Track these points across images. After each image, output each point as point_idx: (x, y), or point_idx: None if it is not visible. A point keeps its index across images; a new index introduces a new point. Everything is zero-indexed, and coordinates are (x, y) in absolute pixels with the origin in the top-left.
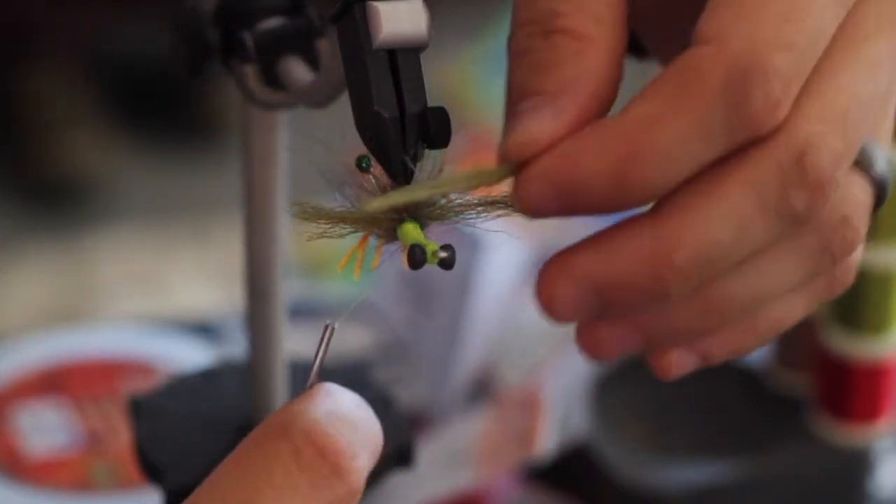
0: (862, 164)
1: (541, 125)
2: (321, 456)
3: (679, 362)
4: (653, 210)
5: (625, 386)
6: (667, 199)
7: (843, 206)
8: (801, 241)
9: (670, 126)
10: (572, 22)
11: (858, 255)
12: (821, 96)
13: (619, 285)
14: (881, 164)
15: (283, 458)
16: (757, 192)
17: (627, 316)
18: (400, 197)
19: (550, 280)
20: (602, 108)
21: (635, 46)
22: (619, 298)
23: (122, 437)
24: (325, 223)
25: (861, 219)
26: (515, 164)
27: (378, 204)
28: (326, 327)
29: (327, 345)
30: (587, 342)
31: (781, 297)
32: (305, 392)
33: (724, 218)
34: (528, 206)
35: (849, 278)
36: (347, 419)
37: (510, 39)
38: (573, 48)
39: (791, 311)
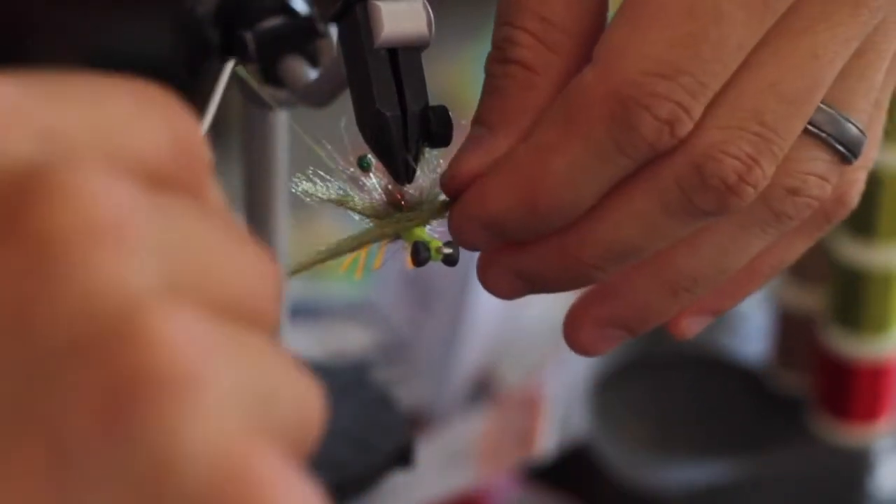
0: (813, 130)
1: (469, 159)
2: None
3: (690, 325)
4: None
5: (625, 386)
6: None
7: (788, 179)
8: (749, 218)
9: (564, 154)
10: (526, 54)
11: (858, 186)
12: (734, 101)
13: (540, 275)
14: (846, 131)
15: None
16: (659, 199)
17: (604, 314)
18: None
19: (484, 267)
20: None
21: None
22: (544, 285)
23: None
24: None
25: (815, 184)
26: (451, 196)
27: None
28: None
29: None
30: (576, 345)
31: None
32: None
33: (628, 220)
34: (464, 243)
35: (844, 209)
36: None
37: None
38: (522, 80)
39: (785, 252)
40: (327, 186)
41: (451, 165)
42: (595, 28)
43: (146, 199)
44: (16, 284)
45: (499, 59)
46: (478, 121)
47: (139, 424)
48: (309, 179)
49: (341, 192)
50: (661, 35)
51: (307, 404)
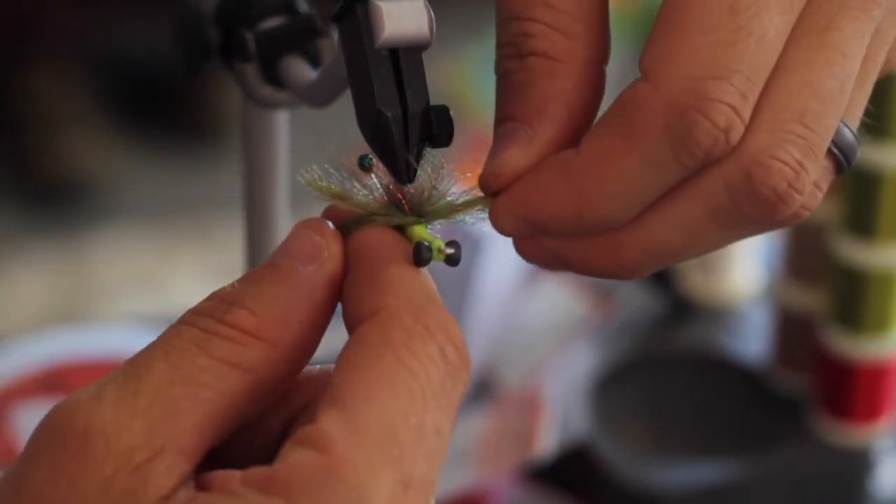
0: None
1: (511, 155)
2: (458, 351)
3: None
4: None
5: (625, 386)
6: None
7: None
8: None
9: (618, 164)
10: (544, 43)
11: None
12: (775, 103)
13: (577, 264)
14: (843, 138)
15: (434, 359)
16: (708, 206)
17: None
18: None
19: (523, 241)
20: (575, 130)
21: None
22: (581, 272)
23: None
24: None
25: (810, 192)
26: (493, 192)
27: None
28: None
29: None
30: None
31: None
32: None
33: (672, 227)
34: (505, 233)
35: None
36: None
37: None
38: (545, 70)
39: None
40: (331, 180)
41: (489, 163)
42: (599, 9)
43: None
44: None
45: (514, 55)
46: (507, 118)
47: None
48: (314, 172)
49: (346, 187)
50: (707, 36)
51: None
